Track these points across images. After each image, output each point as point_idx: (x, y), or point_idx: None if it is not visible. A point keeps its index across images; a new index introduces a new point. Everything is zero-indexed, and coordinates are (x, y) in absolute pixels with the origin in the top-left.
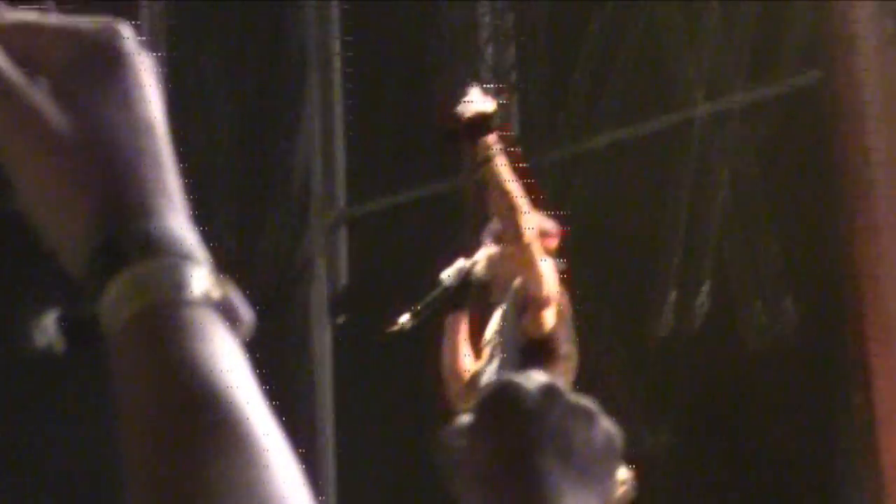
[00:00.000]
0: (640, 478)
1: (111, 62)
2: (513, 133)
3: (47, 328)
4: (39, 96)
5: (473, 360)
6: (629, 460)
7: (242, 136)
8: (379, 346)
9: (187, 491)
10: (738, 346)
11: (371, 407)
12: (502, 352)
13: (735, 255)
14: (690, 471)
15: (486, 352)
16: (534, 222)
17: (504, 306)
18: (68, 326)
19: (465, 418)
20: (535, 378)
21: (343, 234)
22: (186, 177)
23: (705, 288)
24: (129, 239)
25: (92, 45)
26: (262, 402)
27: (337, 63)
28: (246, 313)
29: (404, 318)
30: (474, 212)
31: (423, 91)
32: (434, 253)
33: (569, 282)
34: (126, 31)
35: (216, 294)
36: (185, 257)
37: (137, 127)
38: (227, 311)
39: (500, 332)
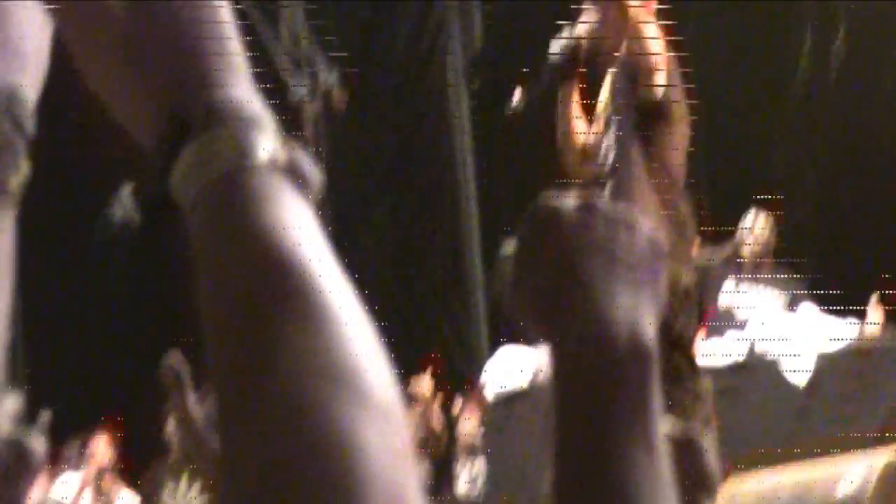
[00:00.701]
0: (783, 220)
1: None
2: None
3: (123, 202)
4: None
5: (586, 127)
6: (773, 207)
7: None
8: (513, 113)
9: (261, 355)
10: (876, 93)
11: (508, 169)
12: (617, 118)
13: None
14: (831, 217)
15: (601, 118)
16: None
17: (613, 71)
18: (143, 199)
19: (509, 245)
20: (571, 197)
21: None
22: None
23: (840, 34)
24: (194, 110)
25: None
26: (334, 266)
27: None
28: (314, 175)
29: (517, 99)
30: None
31: None
32: (567, 12)
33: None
34: None
35: (283, 158)
36: (251, 123)
37: (196, 1)
38: (295, 175)
39: (612, 97)
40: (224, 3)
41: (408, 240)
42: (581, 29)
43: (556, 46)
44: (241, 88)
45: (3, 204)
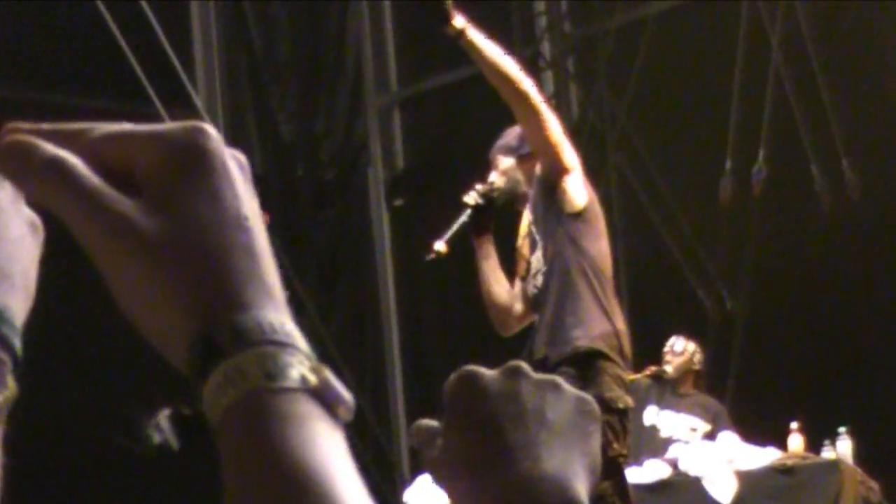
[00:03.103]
0: (709, 345)
1: (198, 162)
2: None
3: (161, 424)
4: (129, 204)
5: (506, 283)
6: (695, 330)
7: (294, 23)
8: (435, 227)
9: None
10: (798, 212)
11: (429, 286)
12: (541, 238)
13: (789, 121)
14: (756, 336)
15: (526, 245)
16: (526, 76)
17: (529, 203)
18: (179, 421)
19: (432, 421)
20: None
21: (396, 116)
22: (248, 65)
23: (761, 156)
24: (224, 332)
25: (178, 147)
26: (360, 486)
27: None
28: (344, 397)
29: (439, 245)
30: None
31: None
32: (488, 131)
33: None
34: (210, 131)
35: (313, 380)
36: (281, 345)
37: (228, 222)
38: (324, 397)
39: (535, 219)
40: (258, 224)
41: (332, 365)
42: (492, 179)
43: (470, 196)
44: (273, 310)
45: None
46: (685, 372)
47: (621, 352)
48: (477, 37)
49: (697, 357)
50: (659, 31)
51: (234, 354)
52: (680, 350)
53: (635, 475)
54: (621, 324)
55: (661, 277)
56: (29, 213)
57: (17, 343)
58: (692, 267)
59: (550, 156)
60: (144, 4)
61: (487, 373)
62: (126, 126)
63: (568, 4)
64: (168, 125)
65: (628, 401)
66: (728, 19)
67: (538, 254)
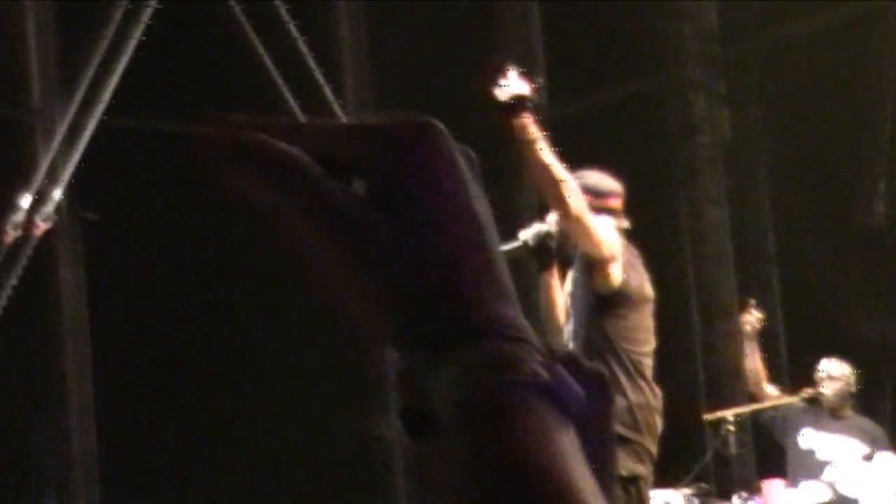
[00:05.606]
0: (864, 367)
1: (426, 157)
2: (542, 117)
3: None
4: (358, 201)
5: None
6: (850, 352)
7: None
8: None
9: None
10: None
11: None
12: (573, 313)
13: None
14: None
15: (565, 310)
16: (578, 193)
17: (572, 272)
18: (411, 416)
19: None
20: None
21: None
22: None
23: None
24: (454, 327)
25: (406, 142)
26: (593, 483)
27: None
28: (576, 393)
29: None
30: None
31: None
32: (631, 150)
33: (775, 173)
34: (438, 125)
35: (545, 376)
36: (513, 340)
37: (456, 217)
38: (556, 393)
39: (573, 291)
40: (488, 219)
41: None
42: (551, 223)
43: (526, 234)
44: (504, 305)
45: None
46: (843, 395)
47: (635, 426)
48: (542, 153)
49: (853, 379)
50: (808, 50)
51: (467, 350)
52: (837, 374)
53: (793, 498)
54: (640, 397)
55: (815, 300)
56: None
57: None
58: (846, 289)
59: (593, 253)
60: (303, 47)
61: None
62: (348, 120)
63: (718, 25)
64: (394, 119)
65: (633, 468)
66: (879, 37)
67: (569, 328)
